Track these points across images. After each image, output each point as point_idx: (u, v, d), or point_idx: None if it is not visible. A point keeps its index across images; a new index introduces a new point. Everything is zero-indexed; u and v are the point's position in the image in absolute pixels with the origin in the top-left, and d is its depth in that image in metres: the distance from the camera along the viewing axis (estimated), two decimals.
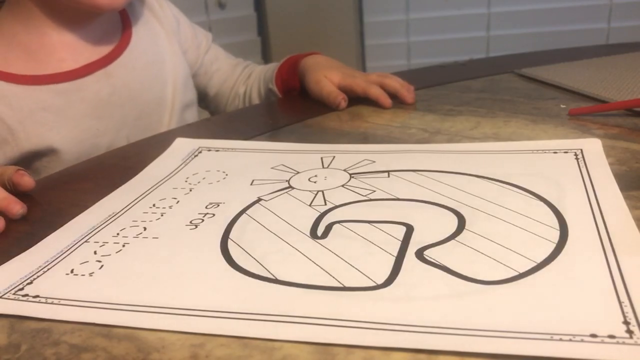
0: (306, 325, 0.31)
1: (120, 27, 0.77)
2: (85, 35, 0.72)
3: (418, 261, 0.36)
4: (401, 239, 0.38)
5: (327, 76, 0.75)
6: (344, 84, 0.74)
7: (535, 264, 0.34)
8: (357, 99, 0.73)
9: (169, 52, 0.81)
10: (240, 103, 0.90)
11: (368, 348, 0.29)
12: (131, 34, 0.77)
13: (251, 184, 0.50)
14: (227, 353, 0.29)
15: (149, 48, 0.79)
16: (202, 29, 0.92)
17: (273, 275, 0.35)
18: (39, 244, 0.42)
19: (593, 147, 0.51)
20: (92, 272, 0.38)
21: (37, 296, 0.35)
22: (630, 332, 0.28)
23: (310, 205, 0.45)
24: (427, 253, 0.36)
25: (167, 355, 0.30)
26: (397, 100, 0.72)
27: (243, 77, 0.91)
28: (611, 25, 1.54)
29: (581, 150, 0.51)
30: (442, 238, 0.38)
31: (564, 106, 0.66)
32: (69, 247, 0.41)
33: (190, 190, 0.50)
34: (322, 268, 0.36)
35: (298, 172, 0.52)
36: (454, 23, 1.60)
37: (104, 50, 0.74)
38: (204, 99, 0.93)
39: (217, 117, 0.81)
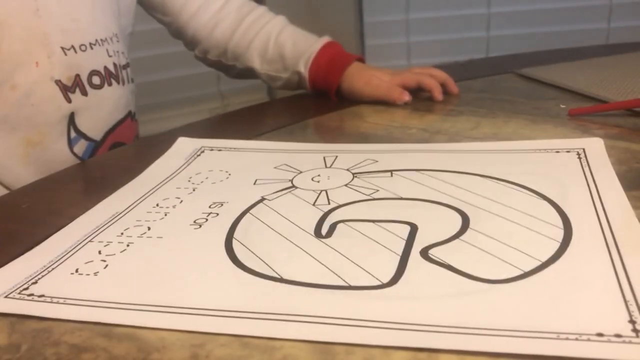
0: (312, 324, 0.31)
1: None
2: None
3: (423, 260, 0.36)
4: (405, 238, 0.38)
5: (376, 75, 0.74)
6: (395, 81, 0.74)
7: (540, 263, 0.34)
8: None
9: None
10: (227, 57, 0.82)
11: (369, 347, 0.29)
12: None
13: (254, 184, 0.50)
14: (227, 353, 0.29)
15: None
16: None
17: (278, 275, 0.35)
18: (43, 243, 0.42)
19: (595, 146, 0.51)
20: (97, 272, 0.37)
21: (42, 295, 0.35)
22: (636, 331, 0.28)
23: (314, 204, 0.45)
24: (432, 252, 0.36)
25: (167, 355, 0.30)
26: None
27: (243, 24, 0.80)
28: (611, 25, 1.54)
29: (583, 149, 0.51)
30: (446, 237, 0.38)
31: (563, 106, 0.66)
32: (73, 247, 0.41)
33: (194, 190, 0.50)
34: (327, 267, 0.36)
35: (301, 172, 0.52)
36: (454, 23, 1.60)
37: None
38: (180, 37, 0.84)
39: (216, 117, 0.81)
